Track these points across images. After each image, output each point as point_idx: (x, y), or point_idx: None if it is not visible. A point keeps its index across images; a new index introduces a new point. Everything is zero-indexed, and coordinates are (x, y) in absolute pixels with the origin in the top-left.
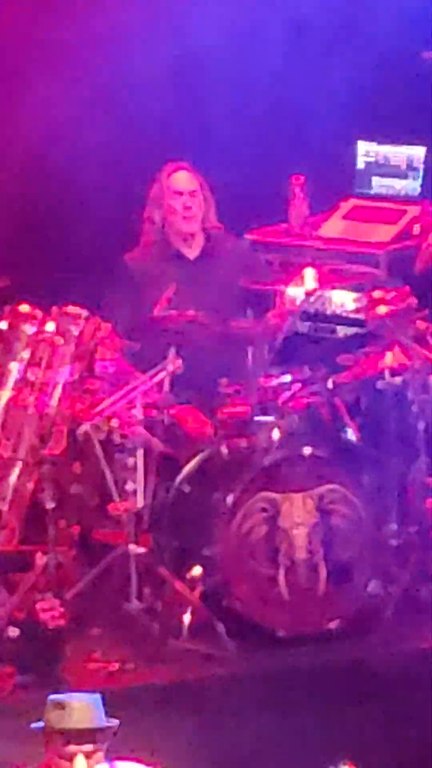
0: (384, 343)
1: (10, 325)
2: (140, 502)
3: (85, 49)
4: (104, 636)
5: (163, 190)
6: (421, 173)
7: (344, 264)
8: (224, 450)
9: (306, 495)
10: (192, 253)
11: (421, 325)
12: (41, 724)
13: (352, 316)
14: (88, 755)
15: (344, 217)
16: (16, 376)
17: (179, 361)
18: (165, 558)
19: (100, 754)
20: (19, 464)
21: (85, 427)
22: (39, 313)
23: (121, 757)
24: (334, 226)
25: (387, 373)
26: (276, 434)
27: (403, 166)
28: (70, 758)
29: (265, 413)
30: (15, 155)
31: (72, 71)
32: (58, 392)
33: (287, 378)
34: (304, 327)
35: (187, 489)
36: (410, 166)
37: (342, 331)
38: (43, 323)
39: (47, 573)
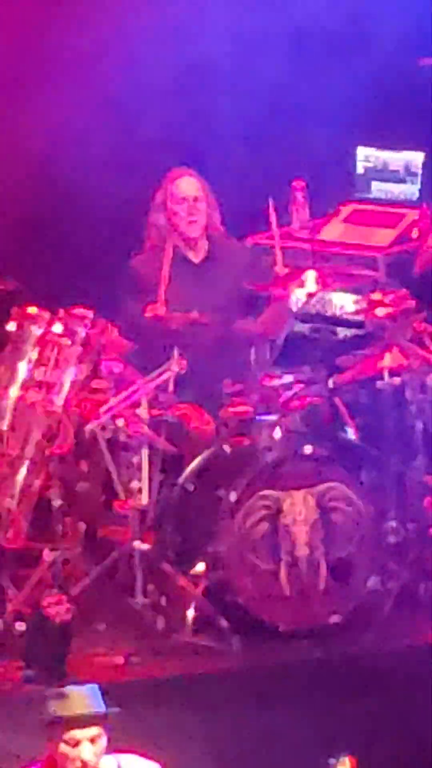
0: (383, 345)
1: (18, 326)
2: (145, 499)
3: (91, 58)
4: (110, 631)
5: (167, 195)
6: (419, 178)
7: (344, 267)
8: (227, 449)
9: (307, 493)
10: (196, 257)
11: (419, 326)
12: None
13: (351, 317)
14: (92, 740)
15: (344, 221)
16: (24, 376)
17: (183, 362)
18: (169, 554)
19: (104, 740)
20: (27, 462)
21: (91, 426)
22: (46, 315)
23: (123, 749)
24: (334, 230)
25: (386, 374)
26: (277, 433)
27: (402, 171)
28: (75, 744)
29: (267, 413)
30: (23, 162)
31: (78, 79)
32: (65, 392)
33: (289, 378)
34: (305, 328)
35: (191, 487)
36: (409, 171)
37: (342, 332)
38: (50, 324)
39: (54, 569)
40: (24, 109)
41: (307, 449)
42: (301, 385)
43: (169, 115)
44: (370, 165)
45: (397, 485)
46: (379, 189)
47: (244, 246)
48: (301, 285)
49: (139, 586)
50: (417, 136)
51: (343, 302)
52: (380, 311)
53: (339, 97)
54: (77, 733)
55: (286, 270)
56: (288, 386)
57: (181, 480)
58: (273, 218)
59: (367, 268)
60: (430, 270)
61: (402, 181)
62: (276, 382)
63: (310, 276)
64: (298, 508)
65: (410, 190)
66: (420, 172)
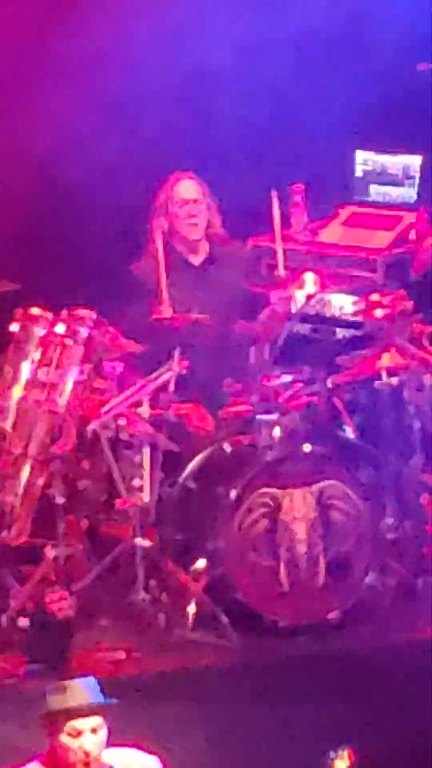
0: (381, 345)
1: (21, 327)
2: (146, 497)
3: (94, 63)
4: (112, 626)
5: (168, 198)
6: (416, 181)
7: (343, 268)
8: (227, 447)
9: (306, 490)
10: (197, 259)
11: (416, 327)
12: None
13: (350, 318)
14: (93, 730)
15: (343, 224)
16: (28, 375)
17: (184, 362)
18: (170, 551)
19: (104, 731)
20: (30, 461)
21: (93, 425)
22: (49, 316)
23: (121, 743)
24: (333, 232)
25: (384, 374)
26: (277, 432)
27: (400, 175)
28: (77, 735)
29: (267, 412)
30: (27, 166)
31: (81, 84)
32: (67, 391)
33: (288, 378)
34: (304, 329)
35: (191, 485)
36: (406, 175)
37: (341, 333)
38: (53, 325)
39: (57, 566)
40: (28, 114)
41: (306, 448)
42: (301, 385)
43: (171, 120)
44: (368, 168)
45: (395, 483)
46: (377, 192)
47: (245, 248)
48: (301, 286)
49: (140, 583)
50: (415, 140)
51: (342, 303)
52: (378, 312)
53: (338, 102)
54: (78, 724)
55: (284, 273)
56: (287, 386)
57: (181, 478)
58: (276, 213)
59: (365, 269)
60: (427, 272)
61: (400, 184)
62: (276, 382)
63: (310, 277)
64: (298, 505)
65: (408, 193)
66: (418, 175)
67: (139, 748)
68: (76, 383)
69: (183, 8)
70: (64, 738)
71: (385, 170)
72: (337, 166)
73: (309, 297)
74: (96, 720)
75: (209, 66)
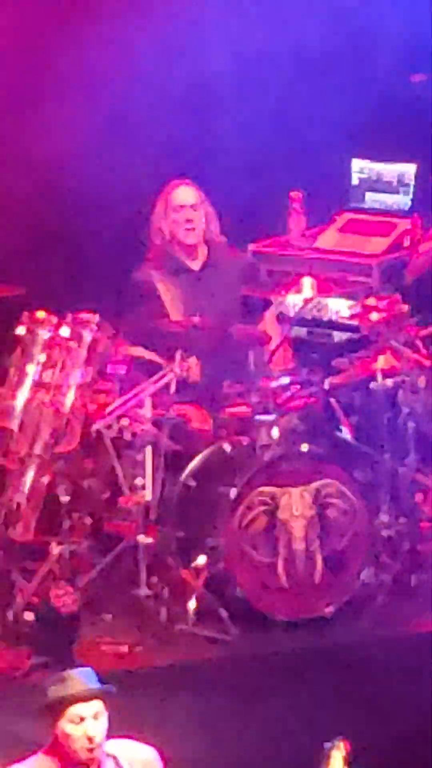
0: (377, 348)
1: (27, 330)
2: (148, 495)
3: (98, 76)
4: (115, 621)
5: (166, 205)
6: (411, 189)
7: (340, 273)
8: (227, 447)
9: (304, 489)
10: (196, 264)
11: (411, 330)
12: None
13: (347, 322)
14: (95, 716)
15: (340, 230)
16: (33, 377)
17: (185, 364)
18: (172, 548)
19: (105, 717)
20: (36, 460)
21: (97, 425)
22: (54, 319)
23: (119, 735)
24: (330, 238)
25: (379, 376)
26: (276, 432)
27: (395, 183)
28: (80, 720)
29: (265, 412)
30: (33, 175)
31: (86, 97)
32: (71, 393)
33: (286, 380)
34: (302, 332)
35: (192, 483)
36: (401, 183)
37: (337, 336)
38: (58, 328)
39: (61, 562)
40: (34, 124)
41: (304, 447)
42: (298, 386)
43: (173, 130)
44: (364, 176)
45: (390, 482)
46: (373, 199)
47: (243, 254)
48: (299, 291)
49: (142, 578)
50: (409, 149)
51: (339, 307)
52: (374, 316)
53: (335, 112)
54: (81, 709)
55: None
56: (286, 387)
57: (183, 477)
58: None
59: (361, 274)
60: (421, 276)
61: (395, 192)
62: (274, 384)
63: (307, 282)
64: (295, 503)
65: (403, 200)
66: (412, 183)
67: (135, 739)
68: (80, 385)
69: (184, 21)
70: (67, 726)
71: (381, 178)
72: (334, 174)
73: (307, 301)
74: (97, 705)
75: (210, 77)
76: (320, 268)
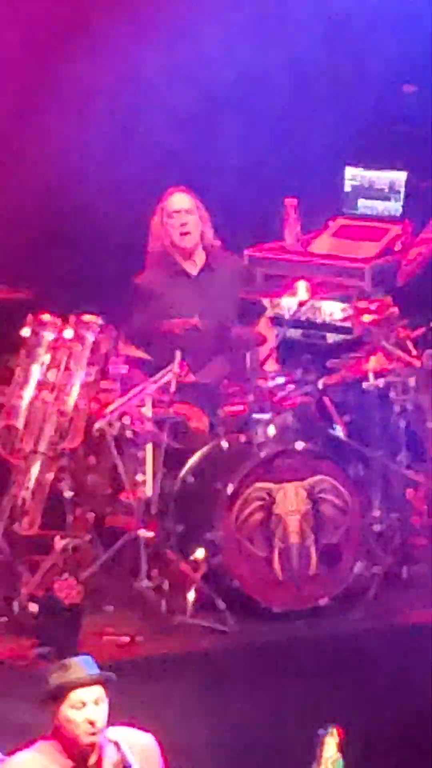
0: (369, 349)
1: (32, 332)
2: (149, 491)
3: (104, 89)
4: (116, 612)
5: (163, 211)
6: (402, 195)
7: (333, 277)
8: (225, 444)
9: (298, 485)
10: (194, 268)
11: (401, 332)
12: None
13: (340, 324)
14: (96, 702)
15: (333, 235)
16: (38, 377)
17: (185, 365)
18: (171, 541)
19: (106, 703)
20: (40, 457)
21: (99, 423)
22: (58, 322)
23: (118, 723)
24: (324, 243)
25: (371, 376)
26: (271, 430)
27: (386, 189)
28: (82, 706)
29: (261, 411)
30: (38, 184)
31: (91, 109)
32: (75, 392)
33: (282, 380)
34: (297, 334)
35: (191, 479)
36: (392, 189)
37: (331, 337)
38: (61, 330)
39: (65, 555)
40: (40, 135)
41: (299, 445)
42: (293, 386)
43: (173, 140)
44: (357, 184)
45: (382, 478)
46: (365, 206)
47: (240, 258)
48: (294, 294)
49: (143, 571)
50: (400, 157)
51: (332, 310)
52: (366, 318)
53: (329, 123)
54: (82, 694)
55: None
56: (281, 387)
57: (182, 473)
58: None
59: (354, 278)
60: (412, 280)
61: (386, 198)
62: (270, 383)
63: (302, 286)
64: (291, 499)
65: (394, 206)
66: (403, 190)
67: (136, 726)
68: (83, 384)
69: (185, 35)
70: (69, 711)
71: (373, 185)
72: (328, 182)
73: (301, 304)
74: (98, 691)
75: (209, 89)
76: (314, 272)
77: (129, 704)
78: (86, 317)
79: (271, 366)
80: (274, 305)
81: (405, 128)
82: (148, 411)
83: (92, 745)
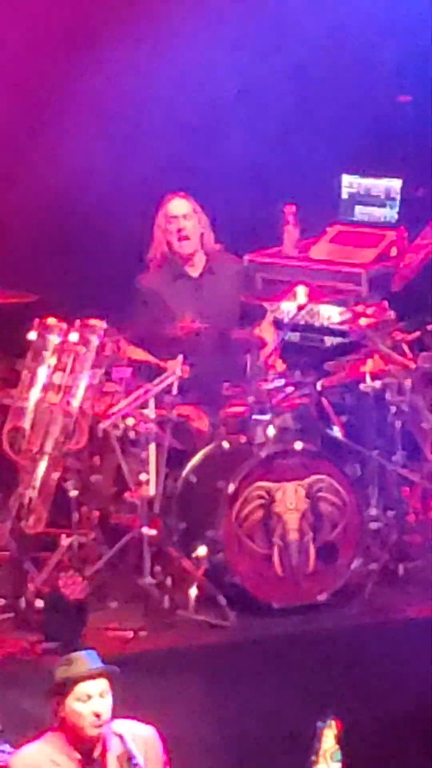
0: (365, 351)
1: (38, 335)
2: (152, 490)
3: (108, 99)
4: (120, 608)
5: (164, 217)
6: (398, 203)
7: (331, 282)
8: (226, 445)
9: (297, 484)
10: (195, 272)
11: (397, 335)
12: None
13: (337, 327)
14: (101, 695)
15: (330, 241)
16: (44, 380)
17: (186, 367)
18: (174, 539)
19: (111, 697)
20: (46, 457)
21: (103, 424)
22: (64, 325)
23: (121, 716)
24: (322, 249)
25: (368, 378)
26: (271, 431)
27: (382, 197)
28: (88, 698)
29: (261, 412)
30: (44, 191)
31: (95, 117)
32: (80, 394)
33: (281, 381)
34: (295, 337)
35: (193, 479)
36: (388, 197)
37: (329, 340)
38: (67, 334)
39: (71, 552)
40: (45, 143)
41: (298, 445)
42: (292, 388)
43: (176, 148)
44: (353, 191)
45: (378, 477)
46: (362, 212)
47: (240, 262)
48: (293, 298)
49: (147, 568)
50: (396, 165)
51: (330, 313)
52: (363, 321)
53: (327, 130)
54: (88, 687)
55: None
56: (281, 389)
57: (184, 473)
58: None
59: (351, 283)
60: (407, 285)
61: (383, 205)
62: (270, 385)
63: (300, 290)
64: (290, 498)
65: (390, 213)
66: (398, 197)
67: (139, 718)
68: (88, 386)
69: (188, 46)
70: (74, 704)
71: (369, 192)
72: (326, 189)
73: (300, 308)
74: (103, 684)
75: (211, 99)
76: (312, 277)
77: (132, 697)
78: (91, 321)
79: (278, 366)
80: (274, 309)
81: (401, 137)
82: (151, 412)
83: (97, 737)
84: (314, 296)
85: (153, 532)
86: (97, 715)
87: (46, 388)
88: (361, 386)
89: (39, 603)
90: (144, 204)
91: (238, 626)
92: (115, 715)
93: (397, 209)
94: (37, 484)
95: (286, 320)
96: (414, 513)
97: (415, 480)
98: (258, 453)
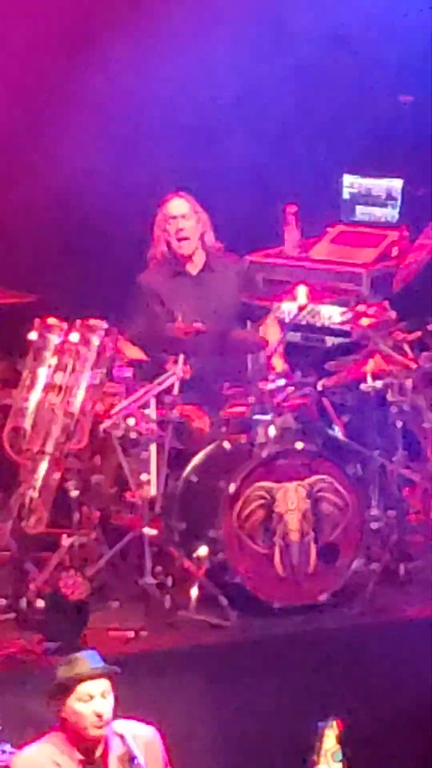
0: (366, 351)
1: (39, 335)
2: (153, 490)
3: (110, 100)
4: (122, 607)
5: (163, 217)
6: (398, 202)
7: (332, 282)
8: (227, 445)
9: (298, 484)
10: (194, 269)
11: (398, 335)
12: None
13: (338, 327)
14: (103, 694)
15: (332, 241)
16: (45, 380)
17: (187, 367)
18: (175, 539)
19: (112, 696)
20: (47, 457)
21: (105, 424)
22: (64, 325)
23: (123, 716)
24: (323, 249)
25: (369, 378)
26: (272, 431)
27: (383, 197)
28: (89, 698)
29: (262, 412)
30: (44, 191)
31: (97, 117)
32: (81, 394)
33: (282, 381)
34: (296, 337)
35: (194, 479)
36: (389, 197)
37: (330, 340)
38: (68, 334)
39: (72, 552)
40: (46, 143)
41: (299, 445)
42: (293, 388)
43: (177, 148)
44: (355, 191)
45: (379, 477)
46: (363, 212)
47: (241, 262)
48: (294, 298)
49: (148, 568)
50: (397, 165)
51: (331, 314)
52: (364, 321)
53: (328, 132)
54: (89, 687)
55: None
56: (281, 389)
57: (185, 473)
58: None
59: (352, 283)
60: (408, 284)
61: (383, 205)
62: (271, 385)
63: (302, 290)
64: (291, 498)
65: (391, 213)
66: (399, 197)
67: (141, 718)
68: (89, 387)
69: (189, 46)
70: (76, 704)
71: (370, 193)
72: (327, 189)
73: (301, 308)
74: (105, 684)
75: (213, 99)
76: (314, 277)
77: (134, 697)
78: (92, 321)
79: (279, 365)
80: (275, 309)
81: (401, 137)
82: (152, 413)
83: (99, 738)
84: (315, 296)
85: (154, 532)
86: (99, 716)
87: (47, 389)
88: (362, 386)
89: (40, 603)
90: (145, 204)
91: (239, 626)
92: (115, 715)
93: (398, 209)
94: (38, 484)
95: (287, 320)
96: (415, 513)
97: (416, 480)
98: (259, 453)
